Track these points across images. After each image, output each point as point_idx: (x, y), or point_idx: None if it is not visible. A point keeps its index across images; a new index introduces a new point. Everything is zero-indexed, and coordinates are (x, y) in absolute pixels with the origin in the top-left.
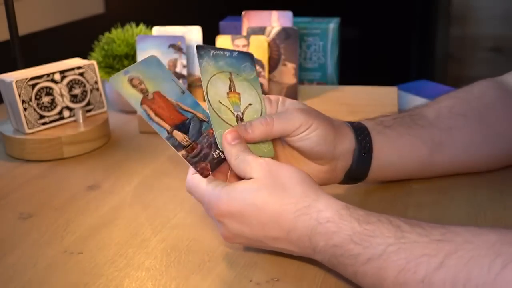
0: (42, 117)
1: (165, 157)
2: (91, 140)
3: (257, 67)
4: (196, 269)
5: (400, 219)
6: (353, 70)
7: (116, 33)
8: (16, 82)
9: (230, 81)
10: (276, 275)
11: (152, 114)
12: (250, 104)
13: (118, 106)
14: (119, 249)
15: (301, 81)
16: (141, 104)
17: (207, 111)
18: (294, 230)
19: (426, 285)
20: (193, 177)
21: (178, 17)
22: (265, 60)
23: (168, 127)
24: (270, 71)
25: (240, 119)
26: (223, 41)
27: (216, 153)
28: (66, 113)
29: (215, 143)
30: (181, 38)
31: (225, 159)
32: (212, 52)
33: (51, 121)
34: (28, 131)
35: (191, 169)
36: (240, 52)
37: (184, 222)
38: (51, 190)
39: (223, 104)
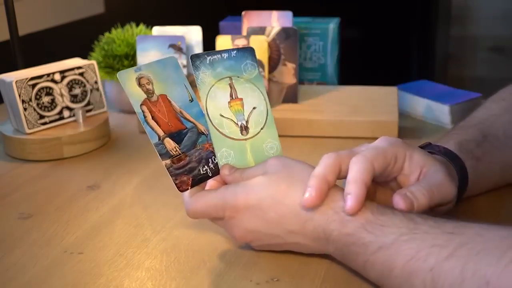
0: (42, 117)
1: None
2: (91, 140)
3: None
4: (196, 269)
5: (413, 213)
6: (353, 70)
7: (116, 33)
8: (16, 82)
9: (231, 87)
10: (276, 275)
11: (149, 117)
12: (254, 108)
13: (118, 106)
14: (119, 249)
15: (301, 81)
16: (141, 104)
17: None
18: (311, 220)
19: (435, 273)
20: (197, 195)
21: (178, 17)
22: (265, 60)
23: (161, 133)
24: (270, 71)
25: (244, 128)
26: (223, 41)
27: (204, 169)
28: (66, 113)
29: (206, 159)
30: (181, 38)
31: (211, 177)
32: (208, 58)
33: (51, 121)
34: (28, 131)
35: (185, 194)
36: (239, 50)
37: (184, 222)
38: (51, 190)
39: (224, 117)
